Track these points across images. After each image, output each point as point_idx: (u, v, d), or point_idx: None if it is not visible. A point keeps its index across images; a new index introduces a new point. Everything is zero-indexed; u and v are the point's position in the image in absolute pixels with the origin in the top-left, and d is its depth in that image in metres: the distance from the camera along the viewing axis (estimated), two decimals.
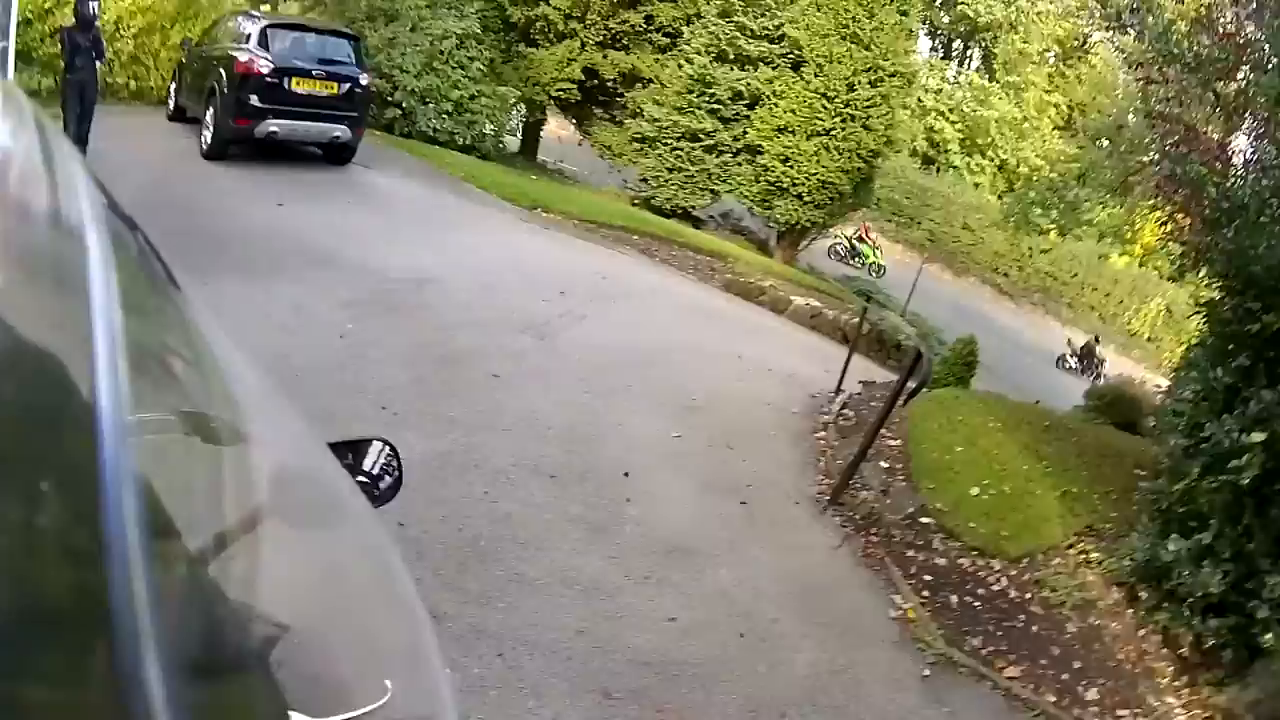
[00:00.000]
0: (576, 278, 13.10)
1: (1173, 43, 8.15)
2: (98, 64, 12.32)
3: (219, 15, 17.18)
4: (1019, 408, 11.74)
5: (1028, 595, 7.53)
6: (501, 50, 26.85)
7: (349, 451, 2.04)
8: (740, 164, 25.76)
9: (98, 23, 12.51)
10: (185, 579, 0.92)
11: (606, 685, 5.20)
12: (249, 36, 13.98)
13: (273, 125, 13.66)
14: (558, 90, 27.82)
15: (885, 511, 8.23)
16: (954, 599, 7.32)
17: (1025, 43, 44.60)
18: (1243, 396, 6.71)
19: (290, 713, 1.04)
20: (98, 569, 0.64)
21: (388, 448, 2.10)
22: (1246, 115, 8.88)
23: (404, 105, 21.31)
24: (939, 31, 50.15)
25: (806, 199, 24.69)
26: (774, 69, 25.17)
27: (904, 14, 24.59)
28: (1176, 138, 9.23)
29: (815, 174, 24.31)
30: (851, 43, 23.80)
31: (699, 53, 25.74)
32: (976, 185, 43.54)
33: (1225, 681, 6.50)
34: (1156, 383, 16.94)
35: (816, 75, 24.14)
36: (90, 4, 11.89)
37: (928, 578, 7.52)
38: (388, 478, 2.07)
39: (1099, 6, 12.38)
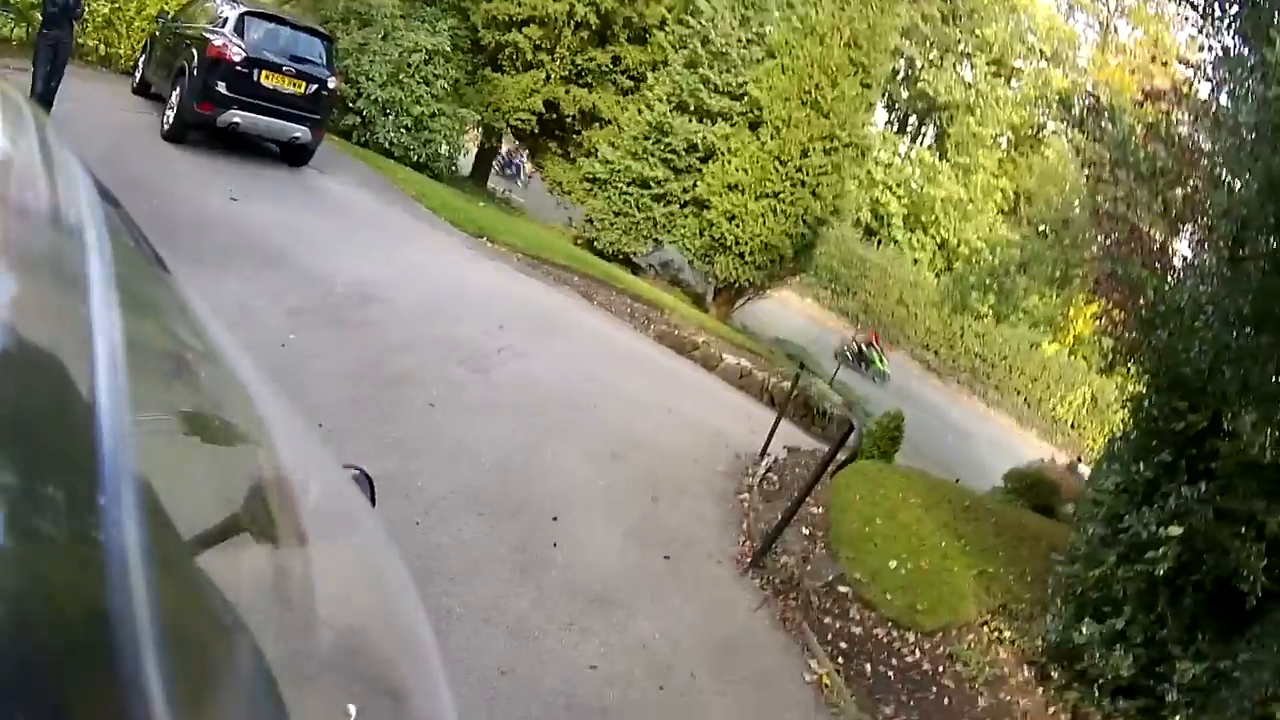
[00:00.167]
0: (517, 312, 13.09)
1: (1129, 151, 8.38)
2: (75, 23, 12.06)
3: None
4: (940, 485, 11.91)
5: (941, 668, 7.64)
6: (467, 71, 26.76)
7: None
8: (687, 216, 25.99)
9: None
10: (186, 580, 0.91)
11: None
12: (225, 21, 13.67)
13: (236, 116, 13.39)
14: (517, 119, 27.75)
15: (805, 577, 8.30)
16: (868, 667, 7.40)
17: (980, 125, 45.36)
18: (1163, 491, 6.89)
19: None
20: (97, 569, 0.64)
21: (367, 481, 2.00)
22: (1189, 222, 9.12)
23: (365, 113, 21.16)
24: (896, 105, 51.05)
25: (748, 258, 24.93)
26: (732, 125, 25.50)
27: (866, 86, 24.96)
28: (1120, 237, 9.46)
29: (759, 235, 24.57)
30: (811, 109, 24.13)
31: (660, 100, 25.99)
32: (915, 261, 44.07)
33: None
34: (1077, 469, 17.25)
35: (773, 138, 24.46)
36: None
37: (843, 645, 7.60)
38: None
39: (1058, 100, 12.67)
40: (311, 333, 9.24)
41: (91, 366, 0.79)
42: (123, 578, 0.63)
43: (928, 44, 46.98)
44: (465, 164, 29.37)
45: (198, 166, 13.01)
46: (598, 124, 28.52)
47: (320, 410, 7.58)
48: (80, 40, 15.47)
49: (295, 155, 14.96)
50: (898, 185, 44.74)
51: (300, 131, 14.24)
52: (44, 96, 10.93)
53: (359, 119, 21.12)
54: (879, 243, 44.44)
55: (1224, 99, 8.16)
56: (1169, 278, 8.27)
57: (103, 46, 17.11)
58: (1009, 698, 7.50)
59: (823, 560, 8.76)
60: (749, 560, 8.40)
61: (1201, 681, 6.31)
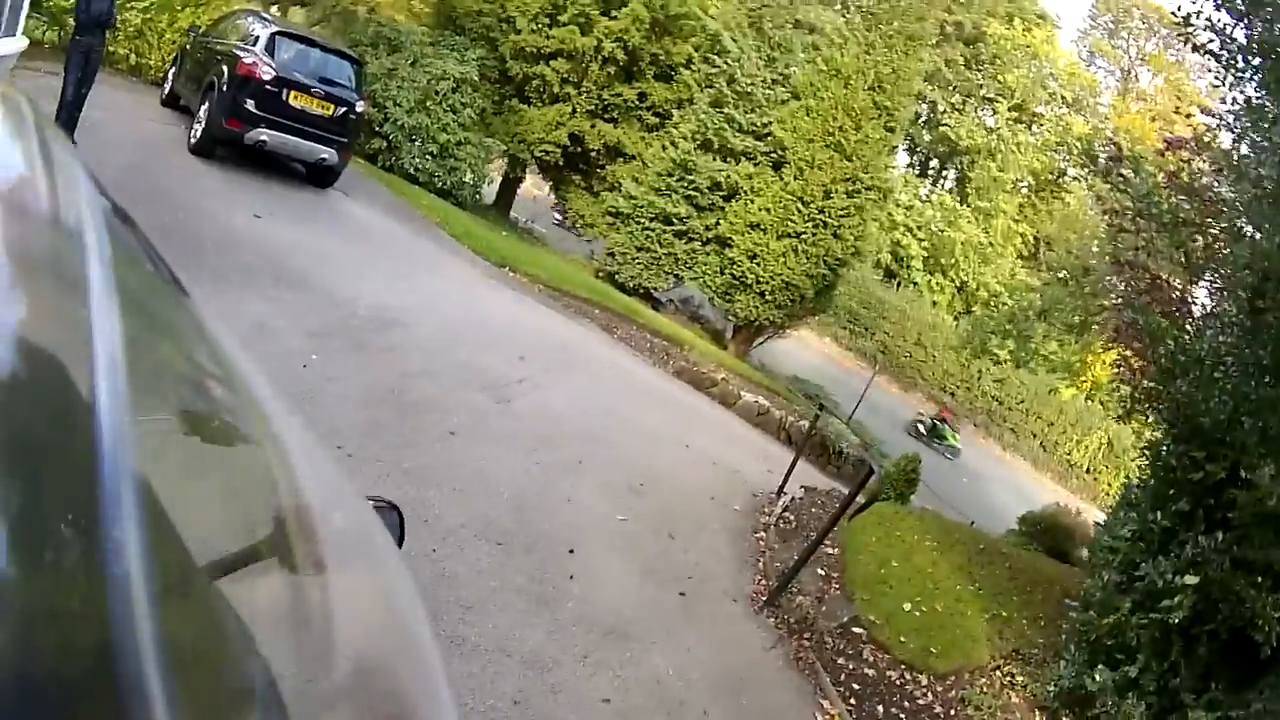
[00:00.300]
0: (537, 343, 13.12)
1: (1153, 201, 8.40)
2: (107, 32, 12.17)
3: (230, 10, 16.79)
4: (955, 527, 11.88)
5: (953, 712, 7.60)
6: (494, 101, 27.00)
7: None
8: (708, 253, 26.03)
9: None
10: (186, 582, 0.91)
11: None
12: (256, 39, 13.72)
13: (264, 134, 13.38)
14: (541, 150, 27.96)
15: (819, 618, 8.29)
16: (880, 709, 7.37)
17: (1001, 170, 45.41)
18: (1179, 540, 6.85)
19: None
20: (97, 570, 0.64)
21: (396, 514, 1.98)
22: (1209, 272, 9.13)
23: (391, 138, 21.27)
24: (918, 148, 51.19)
25: (768, 297, 24.98)
26: (755, 165, 25.58)
27: (890, 130, 25.05)
28: (1141, 286, 9.47)
29: (780, 274, 24.61)
30: (835, 151, 24.24)
31: (685, 138, 26.13)
32: (934, 303, 44.09)
33: None
34: (1092, 515, 17.18)
35: (796, 178, 24.56)
36: None
37: (856, 686, 7.57)
38: None
39: (1081, 148, 12.75)
40: (332, 355, 9.24)
41: (91, 367, 0.80)
42: (122, 578, 0.64)
43: (950, 89, 47.24)
44: (489, 193, 29.51)
45: (223, 183, 13.03)
46: (622, 159, 28.72)
47: (339, 434, 7.59)
48: (111, 49, 15.51)
49: (321, 177, 14.94)
50: (918, 228, 44.79)
51: (327, 153, 14.23)
52: (74, 103, 11.00)
53: (385, 143, 21.24)
54: (898, 284, 44.50)
55: (1245, 149, 8.19)
56: (1188, 327, 8.27)
57: (133, 56, 17.19)
58: None
59: (838, 601, 8.75)
60: (764, 599, 8.40)
61: None
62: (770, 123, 25.54)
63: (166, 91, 16.10)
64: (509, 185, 31.92)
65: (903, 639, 8.32)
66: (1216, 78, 8.10)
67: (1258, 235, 7.13)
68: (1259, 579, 6.28)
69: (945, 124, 46.99)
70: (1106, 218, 11.55)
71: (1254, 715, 6.10)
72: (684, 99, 27.70)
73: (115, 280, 0.99)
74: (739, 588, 8.58)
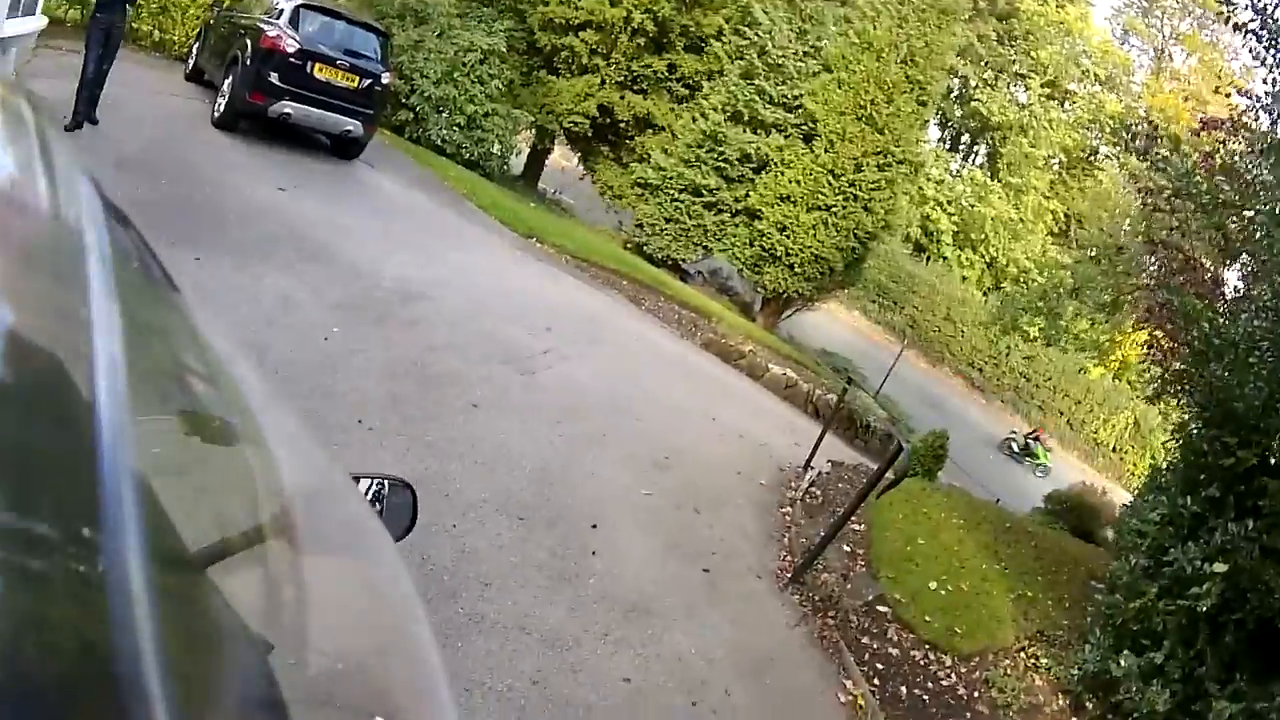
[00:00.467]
0: (564, 315, 13.08)
1: (1192, 183, 8.26)
2: (128, 8, 12.20)
3: None
4: (981, 506, 11.84)
5: (976, 694, 7.57)
6: (522, 73, 26.90)
7: (372, 485, 1.99)
8: (737, 225, 25.94)
9: None
10: (186, 582, 0.92)
11: None
12: (281, 12, 13.78)
13: (288, 107, 13.44)
14: (570, 122, 27.87)
15: (844, 596, 8.25)
16: (904, 690, 7.33)
17: (1033, 146, 45.02)
18: (1209, 526, 6.79)
19: None
20: (96, 570, 0.64)
21: (409, 493, 2.01)
22: (1245, 254, 8.99)
23: (418, 110, 21.24)
24: (949, 123, 50.82)
25: (797, 270, 24.87)
26: (786, 137, 25.42)
27: (922, 104, 24.89)
28: (1175, 267, 9.35)
29: (810, 247, 24.50)
30: (866, 124, 24.09)
31: (715, 109, 25.98)
32: (964, 279, 43.84)
33: None
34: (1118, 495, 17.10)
35: (826, 151, 24.41)
36: None
37: (880, 666, 7.53)
38: (399, 524, 1.95)
39: (1116, 126, 12.62)
40: (355, 328, 9.24)
41: (91, 367, 0.80)
42: (122, 578, 0.64)
43: (983, 64, 46.76)
44: (517, 164, 29.45)
45: (247, 155, 13.06)
46: (651, 130, 28.59)
47: (361, 407, 7.62)
48: (134, 25, 15.61)
49: (346, 148, 14.97)
50: (948, 203, 44.47)
51: (352, 125, 14.26)
52: (94, 80, 11.02)
53: (412, 115, 21.19)
54: (928, 259, 44.24)
55: None
56: (1222, 309, 8.15)
57: (157, 32, 17.19)
58: None
59: (863, 579, 8.71)
60: (789, 576, 8.35)
61: None
62: (801, 95, 25.35)
63: (190, 67, 16.21)
64: (537, 156, 31.81)
65: (928, 618, 8.29)
66: (1255, 57, 7.96)
67: None
68: None
69: (977, 99, 46.53)
70: (1140, 196, 11.43)
71: (1278, 709, 6.03)
72: (714, 70, 27.45)
73: (115, 280, 0.98)
74: (763, 564, 8.53)
